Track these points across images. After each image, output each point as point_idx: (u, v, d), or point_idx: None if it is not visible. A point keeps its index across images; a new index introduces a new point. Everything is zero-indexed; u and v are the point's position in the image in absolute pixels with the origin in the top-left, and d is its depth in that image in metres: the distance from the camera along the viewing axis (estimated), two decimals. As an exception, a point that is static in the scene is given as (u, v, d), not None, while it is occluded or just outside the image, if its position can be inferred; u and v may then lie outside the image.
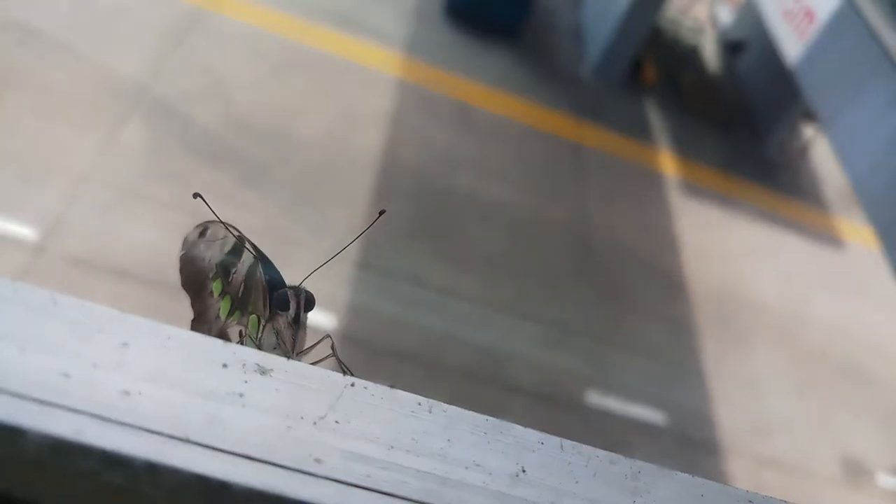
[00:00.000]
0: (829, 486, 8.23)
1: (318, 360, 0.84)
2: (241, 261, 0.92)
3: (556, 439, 0.60)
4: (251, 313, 0.91)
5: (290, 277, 0.92)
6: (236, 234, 0.93)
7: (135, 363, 0.54)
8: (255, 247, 0.93)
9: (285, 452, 0.52)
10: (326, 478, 0.52)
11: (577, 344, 8.19)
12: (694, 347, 8.87)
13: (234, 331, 0.95)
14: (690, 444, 7.95)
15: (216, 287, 0.94)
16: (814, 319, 9.99)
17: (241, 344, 0.89)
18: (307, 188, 8.14)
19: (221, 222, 0.94)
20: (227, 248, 0.93)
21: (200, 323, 0.96)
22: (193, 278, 0.96)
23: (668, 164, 11.43)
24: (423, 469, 0.54)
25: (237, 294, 0.93)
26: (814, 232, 11.72)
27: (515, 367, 7.71)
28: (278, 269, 0.92)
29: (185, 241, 0.97)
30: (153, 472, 0.49)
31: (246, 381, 0.55)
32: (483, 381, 7.40)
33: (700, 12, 15.13)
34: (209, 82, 8.53)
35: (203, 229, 0.95)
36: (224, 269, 0.94)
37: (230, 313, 0.93)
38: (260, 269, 0.91)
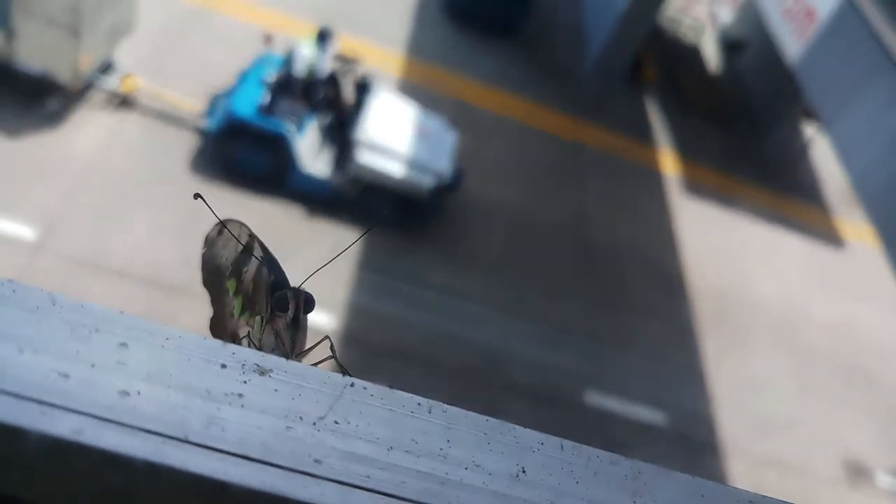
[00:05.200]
0: (829, 486, 8.23)
1: (317, 361, 0.84)
2: (251, 260, 0.93)
3: (556, 440, 0.60)
4: (257, 314, 0.91)
5: (293, 277, 0.92)
6: (244, 234, 0.94)
7: (133, 363, 0.54)
8: (263, 247, 0.93)
9: (284, 453, 0.52)
10: (326, 478, 0.52)
11: (577, 344, 8.20)
12: (694, 347, 8.88)
13: (244, 330, 0.95)
14: (690, 445, 7.95)
15: (231, 286, 0.95)
16: (814, 319, 9.99)
17: (247, 344, 0.89)
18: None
19: (222, 223, 0.94)
20: (241, 247, 0.94)
21: (218, 321, 0.97)
22: (213, 277, 0.97)
23: (668, 163, 11.43)
24: (423, 470, 0.54)
25: (248, 293, 0.93)
26: (814, 231, 11.72)
27: (515, 368, 7.72)
28: (284, 271, 0.92)
29: (206, 240, 0.98)
30: (152, 473, 0.49)
31: (245, 382, 0.55)
32: (483, 382, 7.41)
33: (700, 11, 15.14)
34: (210, 82, 8.54)
35: (221, 228, 0.96)
36: (237, 269, 0.94)
37: (241, 312, 0.94)
38: (265, 269, 0.91)
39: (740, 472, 7.74)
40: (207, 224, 0.99)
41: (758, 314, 9.65)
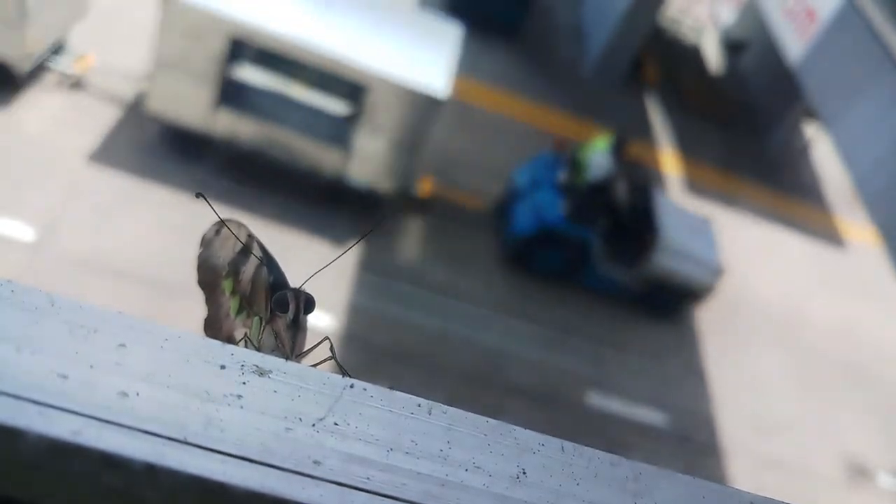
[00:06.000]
0: (830, 486, 8.23)
1: (317, 362, 0.84)
2: (250, 260, 0.93)
3: (556, 441, 0.59)
4: (255, 314, 0.91)
5: (294, 279, 0.92)
6: (244, 234, 0.94)
7: (132, 364, 0.54)
8: (262, 247, 0.93)
9: (284, 454, 0.52)
10: (325, 480, 0.52)
11: (578, 344, 8.20)
12: (694, 348, 8.87)
13: (241, 331, 0.95)
14: (691, 446, 7.95)
15: (227, 286, 0.95)
16: (815, 318, 9.98)
17: (245, 345, 0.89)
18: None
19: (224, 223, 0.94)
20: (239, 247, 0.94)
21: (212, 321, 0.97)
22: (208, 277, 0.97)
23: (669, 163, 11.43)
24: (423, 471, 0.54)
25: (245, 294, 0.93)
26: (815, 231, 11.71)
27: (515, 368, 7.72)
28: (283, 271, 0.91)
29: (203, 239, 0.98)
30: (151, 474, 0.49)
31: (244, 383, 0.55)
32: (483, 383, 7.41)
33: (701, 12, 15.13)
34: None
35: (219, 228, 0.96)
36: (234, 269, 0.94)
37: (238, 313, 0.94)
38: (264, 269, 0.91)
39: (741, 473, 7.73)
40: (208, 224, 0.99)
41: (758, 314, 9.64)
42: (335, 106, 7.24)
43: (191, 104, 7.09)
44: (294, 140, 7.29)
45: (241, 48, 6.85)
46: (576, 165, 8.43)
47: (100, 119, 7.54)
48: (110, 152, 7.32)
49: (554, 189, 8.18)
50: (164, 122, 7.32)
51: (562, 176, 8.33)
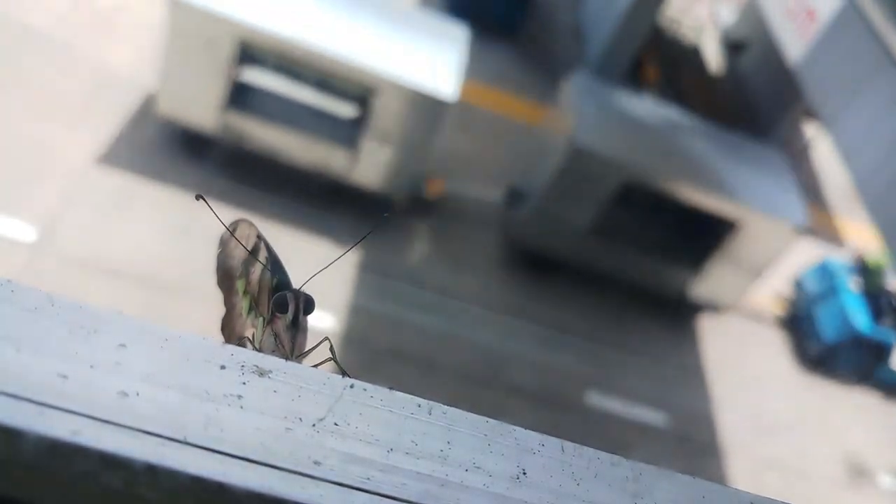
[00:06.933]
0: (830, 487, 8.22)
1: (317, 362, 0.84)
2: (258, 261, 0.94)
3: (556, 441, 0.59)
4: (261, 314, 0.91)
5: (295, 279, 0.92)
6: (253, 234, 0.94)
7: (132, 364, 0.53)
8: (268, 247, 0.93)
9: (284, 454, 0.52)
10: (325, 480, 0.52)
11: (578, 344, 8.19)
12: (695, 348, 8.87)
13: (251, 331, 0.95)
14: (691, 446, 7.95)
15: (240, 286, 0.96)
16: (815, 319, 9.99)
17: (249, 345, 0.90)
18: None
19: (224, 226, 0.94)
20: (252, 247, 0.94)
21: (227, 321, 0.97)
22: (225, 277, 0.98)
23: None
24: (423, 471, 0.54)
25: (254, 294, 0.94)
26: (815, 231, 11.70)
27: (515, 369, 7.71)
28: (287, 272, 0.92)
29: (221, 240, 0.98)
30: (151, 474, 0.49)
31: (244, 383, 0.55)
32: (483, 383, 7.40)
33: (701, 12, 15.12)
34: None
35: (235, 228, 0.96)
36: (246, 270, 0.95)
37: (249, 313, 0.95)
38: (268, 270, 0.91)
39: (741, 473, 7.73)
40: (208, 225, 0.99)
41: (758, 313, 9.64)
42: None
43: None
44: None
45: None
46: (869, 271, 9.11)
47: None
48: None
49: (851, 295, 8.87)
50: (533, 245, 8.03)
51: (856, 282, 9.01)
